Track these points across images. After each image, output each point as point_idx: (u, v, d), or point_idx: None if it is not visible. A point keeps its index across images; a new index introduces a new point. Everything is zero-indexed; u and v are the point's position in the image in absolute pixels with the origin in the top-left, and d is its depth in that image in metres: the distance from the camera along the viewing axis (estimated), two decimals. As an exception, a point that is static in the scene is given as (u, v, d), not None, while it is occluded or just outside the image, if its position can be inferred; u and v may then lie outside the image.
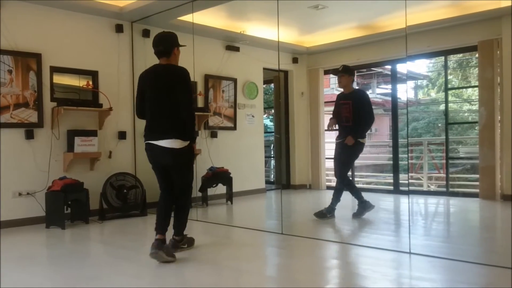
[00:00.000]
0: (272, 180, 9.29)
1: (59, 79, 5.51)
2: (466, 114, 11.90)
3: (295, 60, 8.23)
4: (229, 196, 6.58)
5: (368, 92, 7.28)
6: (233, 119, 7.32)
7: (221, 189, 6.57)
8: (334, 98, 9.66)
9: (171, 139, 3.44)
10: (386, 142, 7.31)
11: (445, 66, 7.20)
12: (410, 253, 3.66)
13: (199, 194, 6.27)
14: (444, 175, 7.07)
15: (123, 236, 4.73)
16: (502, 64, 5.95)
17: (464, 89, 11.56)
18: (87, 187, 5.22)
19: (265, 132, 8.56)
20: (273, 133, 9.09)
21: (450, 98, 7.99)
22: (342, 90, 5.47)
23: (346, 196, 7.49)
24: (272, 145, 9.48)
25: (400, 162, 7.03)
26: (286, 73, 8.38)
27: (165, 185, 3.66)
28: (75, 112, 5.43)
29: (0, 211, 4.96)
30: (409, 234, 4.01)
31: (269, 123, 10.49)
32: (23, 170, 5.14)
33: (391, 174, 7.01)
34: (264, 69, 7.83)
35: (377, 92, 9.18)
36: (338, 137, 5.42)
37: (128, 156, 6.06)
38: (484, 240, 4.45)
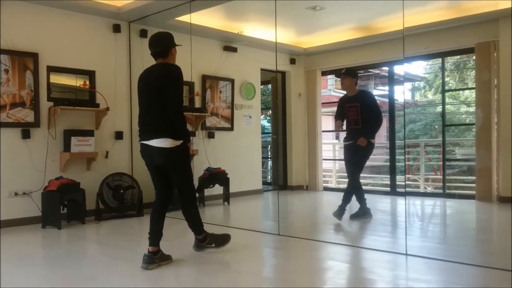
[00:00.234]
0: (269, 181, 9.29)
1: (56, 78, 5.50)
2: (463, 116, 11.93)
3: (292, 61, 8.24)
4: (226, 196, 6.57)
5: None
6: (231, 119, 7.32)
7: (218, 189, 6.56)
8: (332, 100, 9.70)
9: (161, 138, 3.35)
10: (383, 144, 7.31)
11: (442, 68, 7.23)
12: (406, 254, 3.66)
13: (196, 194, 6.25)
14: (440, 177, 7.08)
15: (119, 237, 4.72)
16: (499, 66, 5.96)
17: (461, 91, 11.58)
18: (83, 187, 5.21)
19: (262, 133, 8.56)
20: (270, 134, 9.09)
21: (447, 100, 8.02)
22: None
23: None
24: (269, 146, 9.47)
25: (397, 163, 7.04)
26: (283, 74, 8.38)
27: (159, 188, 3.55)
28: (72, 112, 5.42)
29: (0, 210, 4.96)
30: (406, 236, 4.01)
31: (266, 124, 10.48)
32: (19, 169, 5.12)
33: (388, 176, 7.02)
34: (261, 69, 7.83)
35: (374, 94, 9.18)
36: (346, 139, 5.35)
37: (124, 156, 6.05)
38: (480, 242, 4.46)
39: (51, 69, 5.38)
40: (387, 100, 7.52)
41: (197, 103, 6.81)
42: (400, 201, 6.51)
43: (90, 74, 5.71)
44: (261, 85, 8.27)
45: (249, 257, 3.86)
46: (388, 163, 7.11)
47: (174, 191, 3.61)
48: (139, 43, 6.18)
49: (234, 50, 7.28)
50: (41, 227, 4.99)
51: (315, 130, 8.08)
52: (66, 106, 5.28)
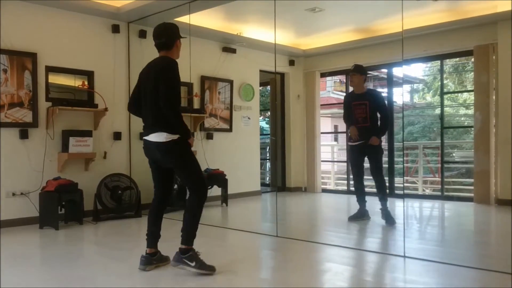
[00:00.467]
0: (268, 183, 9.28)
1: (55, 79, 5.49)
2: (461, 119, 11.94)
3: (291, 63, 8.24)
4: (224, 198, 6.57)
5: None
6: (229, 121, 7.31)
7: (216, 191, 6.55)
8: (330, 101, 9.70)
9: (157, 132, 3.22)
10: (382, 146, 7.32)
11: (441, 70, 7.22)
12: (404, 256, 3.66)
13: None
14: (439, 179, 7.09)
15: (117, 237, 4.70)
16: (497, 69, 5.97)
17: (459, 94, 11.60)
18: (81, 187, 5.20)
19: (261, 134, 8.56)
20: (269, 136, 9.08)
21: (445, 102, 8.03)
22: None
23: (343, 199, 7.51)
24: (268, 148, 9.47)
25: (395, 165, 7.04)
26: (282, 75, 8.39)
27: (157, 188, 3.47)
28: (70, 112, 5.41)
29: (0, 210, 4.94)
30: (404, 238, 4.01)
31: (265, 125, 10.48)
32: (17, 170, 5.11)
33: (387, 178, 7.01)
34: (260, 71, 7.83)
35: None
36: (352, 140, 5.21)
37: (123, 157, 6.04)
38: (478, 244, 4.46)
39: (50, 69, 5.38)
40: (385, 102, 7.51)
41: (196, 104, 6.81)
42: (399, 203, 6.50)
43: (88, 75, 5.71)
44: (260, 86, 8.28)
45: (247, 258, 3.85)
46: (386, 165, 7.11)
47: (173, 192, 3.53)
48: (138, 44, 6.18)
49: (233, 51, 7.28)
50: (38, 228, 4.98)
51: (313, 132, 8.07)
52: (64, 107, 5.28)
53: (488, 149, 6.03)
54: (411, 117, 11.42)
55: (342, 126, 7.49)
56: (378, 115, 5.16)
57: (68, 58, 5.53)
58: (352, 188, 6.53)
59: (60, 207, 4.99)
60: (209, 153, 6.75)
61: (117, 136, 5.97)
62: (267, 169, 9.61)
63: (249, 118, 7.68)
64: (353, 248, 4.08)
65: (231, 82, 7.31)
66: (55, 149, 5.37)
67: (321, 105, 8.35)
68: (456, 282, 3.09)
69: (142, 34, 6.18)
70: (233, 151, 7.32)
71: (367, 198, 5.31)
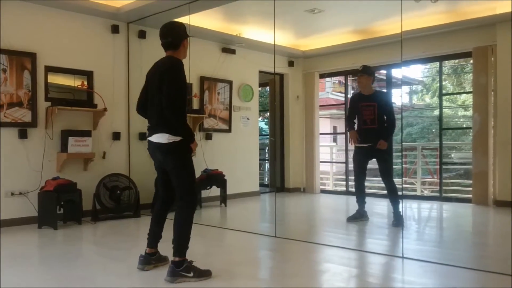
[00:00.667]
0: (266, 183, 9.29)
1: (54, 78, 5.49)
2: (460, 120, 11.97)
3: (290, 64, 8.26)
4: (223, 198, 6.57)
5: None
6: (228, 121, 7.32)
7: (215, 191, 6.56)
8: (329, 102, 9.71)
9: (159, 133, 3.15)
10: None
11: (440, 72, 7.24)
12: (402, 257, 3.66)
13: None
14: (437, 180, 7.09)
15: (115, 237, 4.71)
16: (496, 70, 5.99)
17: (458, 95, 11.63)
18: (80, 187, 5.20)
19: (260, 135, 8.56)
20: (268, 136, 9.10)
21: (444, 103, 8.04)
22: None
23: (341, 200, 7.52)
24: (267, 148, 9.48)
25: (394, 166, 7.05)
26: (281, 76, 8.40)
27: (161, 189, 3.42)
28: (69, 112, 5.41)
29: (0, 210, 4.96)
30: (402, 239, 4.02)
31: (264, 126, 10.49)
32: (16, 169, 5.10)
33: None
34: (259, 72, 7.84)
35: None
36: (360, 141, 5.12)
37: (122, 157, 6.04)
38: (476, 246, 4.47)
39: (49, 69, 5.38)
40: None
41: (195, 105, 6.81)
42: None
43: (88, 75, 5.71)
44: (259, 87, 8.29)
45: (245, 259, 3.85)
46: (385, 166, 7.12)
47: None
48: (137, 44, 6.18)
49: (233, 52, 7.29)
50: (37, 228, 4.97)
51: (312, 133, 8.09)
52: (63, 106, 5.27)
53: (487, 151, 6.04)
54: (410, 118, 11.45)
55: (341, 127, 7.52)
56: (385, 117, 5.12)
57: (68, 58, 5.53)
58: (351, 189, 6.55)
59: (59, 207, 4.99)
60: (208, 154, 6.76)
61: (116, 136, 5.97)
62: (266, 170, 9.62)
63: (248, 118, 7.69)
64: (352, 249, 4.08)
65: (230, 83, 7.31)
66: (54, 149, 5.37)
67: (320, 106, 8.38)
68: (454, 283, 3.09)
69: (142, 35, 6.18)
70: (232, 152, 7.33)
71: (367, 199, 5.31)
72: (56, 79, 5.53)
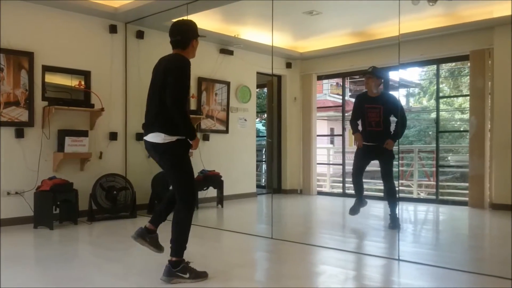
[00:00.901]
0: (263, 184, 9.30)
1: (51, 78, 5.48)
2: (457, 123, 11.99)
3: (288, 65, 8.26)
4: (220, 199, 6.57)
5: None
6: (226, 122, 7.32)
7: (212, 192, 6.56)
8: (327, 104, 9.71)
9: (154, 132, 3.07)
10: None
11: (437, 75, 7.25)
12: (399, 260, 3.67)
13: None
14: (434, 183, 7.10)
15: (111, 238, 4.69)
16: (493, 74, 6.01)
17: (455, 98, 11.64)
18: (76, 187, 5.18)
19: (257, 136, 8.56)
20: (265, 137, 9.10)
21: (441, 106, 8.05)
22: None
23: (338, 202, 7.52)
24: (264, 149, 9.48)
25: (391, 169, 7.04)
26: (279, 77, 8.40)
27: (171, 188, 3.31)
28: (66, 111, 5.39)
29: (0, 209, 4.93)
30: (398, 241, 4.02)
31: (261, 127, 10.50)
32: (12, 169, 5.09)
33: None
34: (257, 73, 7.85)
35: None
36: (364, 141, 5.06)
37: (118, 157, 6.02)
38: (473, 248, 4.48)
39: (46, 69, 5.36)
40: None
41: (193, 105, 6.81)
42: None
43: (85, 74, 5.69)
44: (257, 88, 8.29)
45: (241, 260, 3.85)
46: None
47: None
48: (135, 44, 6.17)
49: (231, 53, 7.29)
50: (33, 227, 4.96)
51: (310, 134, 8.10)
52: (60, 106, 5.26)
53: (483, 154, 6.06)
54: (407, 120, 11.44)
55: (338, 129, 7.52)
56: (393, 118, 5.05)
57: (65, 57, 5.52)
58: (348, 191, 6.55)
59: (55, 206, 4.97)
60: (205, 154, 6.75)
61: (113, 136, 5.96)
62: (263, 171, 9.63)
63: (245, 120, 7.69)
64: (348, 251, 4.08)
65: (228, 84, 7.31)
66: (51, 149, 5.36)
67: (318, 107, 8.38)
68: (450, 285, 3.10)
69: (140, 35, 6.17)
70: (229, 153, 7.33)
71: (370, 201, 5.27)
72: (53, 79, 5.52)
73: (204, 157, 6.66)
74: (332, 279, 3.28)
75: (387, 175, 5.05)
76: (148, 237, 3.24)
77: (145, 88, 3.34)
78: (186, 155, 3.14)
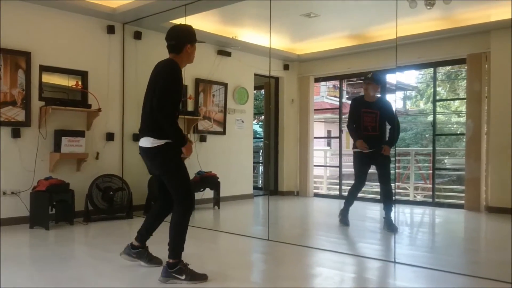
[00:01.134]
0: (260, 186, 9.29)
1: (48, 78, 5.47)
2: (453, 126, 12.03)
3: (286, 67, 8.27)
4: (217, 200, 6.56)
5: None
6: (223, 123, 7.32)
7: (208, 193, 6.55)
8: (324, 106, 9.73)
9: (145, 137, 3.11)
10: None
11: (434, 78, 7.28)
12: (395, 262, 3.67)
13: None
14: (430, 186, 7.13)
15: (107, 238, 4.68)
16: (490, 77, 6.03)
17: (452, 101, 11.69)
18: (73, 188, 5.17)
19: (254, 138, 8.57)
20: (262, 139, 9.10)
21: (438, 109, 8.08)
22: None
23: (335, 204, 7.52)
24: (261, 151, 9.48)
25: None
26: (277, 79, 8.41)
27: (158, 193, 3.39)
28: (63, 112, 5.38)
29: (0, 209, 4.92)
30: (394, 244, 4.03)
31: (258, 129, 10.50)
32: (8, 169, 5.07)
33: (378, 183, 7.05)
34: (255, 75, 7.85)
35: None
36: (367, 149, 5.04)
37: (115, 158, 6.01)
38: (469, 251, 4.49)
39: (44, 69, 5.35)
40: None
41: (190, 107, 6.81)
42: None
43: (82, 75, 5.68)
44: (254, 90, 8.30)
45: (238, 262, 3.85)
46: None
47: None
48: (133, 45, 6.17)
49: (228, 54, 7.29)
50: (28, 228, 4.94)
51: (307, 136, 8.11)
52: (57, 106, 5.25)
53: (479, 157, 6.08)
54: (404, 123, 11.48)
55: (335, 131, 7.53)
56: (388, 124, 5.14)
57: (62, 57, 5.51)
58: (344, 193, 6.55)
59: (51, 207, 4.95)
60: (202, 156, 6.75)
61: (110, 137, 5.95)
62: (260, 173, 9.63)
63: (242, 121, 7.69)
64: (344, 253, 4.09)
65: (225, 85, 7.31)
66: (47, 149, 5.34)
67: (315, 110, 8.40)
68: (446, 288, 3.11)
69: (137, 36, 6.17)
70: (226, 154, 7.33)
71: (361, 203, 5.30)
72: (51, 79, 5.51)
73: (201, 158, 6.65)
74: (328, 281, 3.28)
75: (385, 178, 5.08)
76: (133, 253, 3.36)
77: (142, 89, 3.35)
78: (177, 158, 3.11)
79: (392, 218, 4.92)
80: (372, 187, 7.82)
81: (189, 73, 6.49)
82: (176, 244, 3.10)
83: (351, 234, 5.18)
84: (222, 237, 4.90)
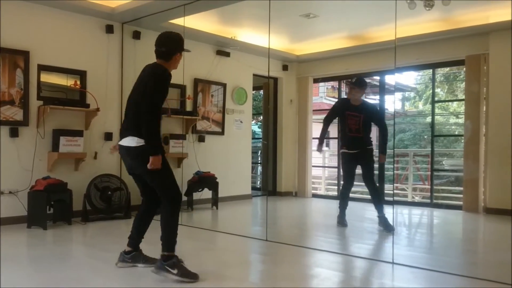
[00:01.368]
0: (258, 187, 9.29)
1: (47, 77, 5.46)
2: (452, 127, 12.05)
3: (285, 68, 8.27)
4: (215, 201, 6.56)
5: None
6: (221, 124, 7.31)
7: (207, 193, 6.54)
8: (323, 107, 9.73)
9: (128, 136, 3.14)
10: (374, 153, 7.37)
11: (433, 79, 7.29)
12: (393, 263, 3.67)
13: (185, 198, 6.23)
14: (428, 187, 7.13)
15: (105, 238, 4.67)
16: (488, 79, 6.04)
17: (450, 102, 11.71)
18: (71, 187, 5.16)
19: (252, 138, 8.56)
20: (261, 140, 9.10)
21: (436, 110, 8.09)
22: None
23: (333, 205, 7.51)
24: (260, 152, 9.48)
25: (385, 172, 7.08)
26: (275, 80, 8.41)
27: (141, 192, 3.42)
28: (61, 111, 5.37)
29: (0, 209, 4.92)
30: (393, 244, 4.03)
31: (257, 129, 10.50)
32: (6, 168, 5.05)
33: (377, 184, 7.05)
34: (254, 75, 7.85)
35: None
36: (348, 147, 5.26)
37: (113, 158, 6.00)
38: (467, 252, 4.49)
39: (42, 68, 5.34)
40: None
41: (189, 107, 6.80)
42: (388, 210, 6.52)
43: (81, 74, 5.68)
44: (253, 90, 8.29)
45: (236, 262, 3.84)
46: (377, 172, 7.15)
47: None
48: (131, 45, 6.16)
49: (227, 54, 7.29)
50: (26, 227, 4.92)
51: (305, 137, 8.11)
52: (55, 106, 5.24)
53: (478, 158, 6.08)
54: (402, 124, 11.50)
55: (334, 132, 7.53)
56: (375, 127, 5.32)
57: (61, 57, 5.50)
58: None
59: (49, 206, 4.94)
60: (200, 156, 6.75)
61: (108, 136, 5.94)
62: (258, 173, 9.62)
63: (241, 121, 7.69)
64: (342, 254, 4.09)
65: (224, 85, 7.31)
66: (45, 148, 5.33)
67: (314, 110, 8.39)
68: (444, 289, 3.11)
69: (136, 35, 6.16)
70: (225, 154, 7.32)
71: (358, 204, 5.33)
72: (49, 78, 5.50)
73: (199, 158, 6.65)
74: (326, 281, 3.28)
75: (367, 178, 5.24)
76: (127, 258, 3.39)
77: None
78: (162, 156, 3.12)
79: (387, 216, 4.97)
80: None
81: (188, 73, 6.48)
82: (168, 237, 3.13)
83: (349, 235, 5.18)
84: (220, 237, 4.89)
